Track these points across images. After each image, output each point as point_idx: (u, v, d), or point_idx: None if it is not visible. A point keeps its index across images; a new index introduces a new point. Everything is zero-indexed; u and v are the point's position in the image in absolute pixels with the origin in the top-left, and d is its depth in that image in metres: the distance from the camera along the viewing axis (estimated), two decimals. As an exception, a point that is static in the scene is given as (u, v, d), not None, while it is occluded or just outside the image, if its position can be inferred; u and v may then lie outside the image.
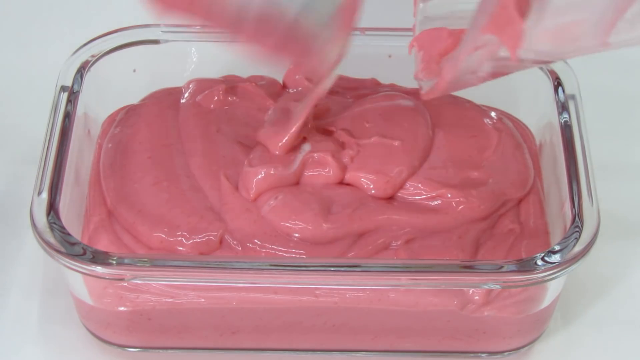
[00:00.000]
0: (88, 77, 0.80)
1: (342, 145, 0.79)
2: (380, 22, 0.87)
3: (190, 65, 0.85)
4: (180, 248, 0.74)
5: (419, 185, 0.77)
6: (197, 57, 0.85)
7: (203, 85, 0.83)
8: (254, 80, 0.84)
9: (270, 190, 0.76)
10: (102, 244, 0.74)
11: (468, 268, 0.69)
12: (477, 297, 0.72)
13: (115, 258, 0.69)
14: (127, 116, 0.82)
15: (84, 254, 0.69)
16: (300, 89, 0.84)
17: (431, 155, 0.79)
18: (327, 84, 0.75)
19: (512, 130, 0.82)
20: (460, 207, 0.75)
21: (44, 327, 0.78)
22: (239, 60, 0.84)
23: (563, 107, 0.79)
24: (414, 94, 0.84)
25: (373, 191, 0.76)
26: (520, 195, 0.78)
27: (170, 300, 0.72)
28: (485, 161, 0.78)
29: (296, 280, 0.70)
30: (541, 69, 0.81)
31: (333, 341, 0.75)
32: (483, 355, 0.76)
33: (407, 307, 0.72)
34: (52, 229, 0.70)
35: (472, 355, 0.76)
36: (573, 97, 0.79)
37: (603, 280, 0.81)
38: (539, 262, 0.69)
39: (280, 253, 0.73)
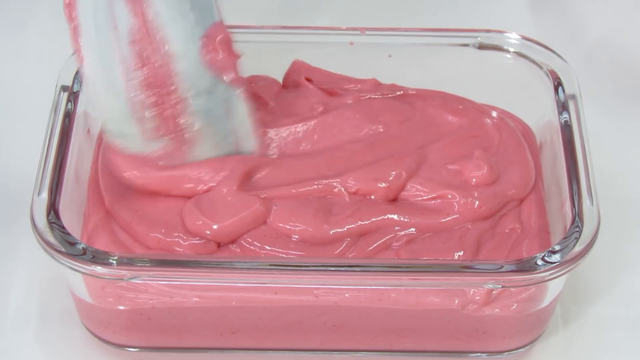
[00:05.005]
0: (88, 77, 0.80)
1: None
2: (381, 22, 0.87)
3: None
4: (178, 249, 0.73)
5: (420, 186, 0.76)
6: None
7: (202, 85, 0.83)
8: (253, 80, 0.84)
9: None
10: (101, 244, 0.74)
11: (468, 268, 0.69)
12: (478, 298, 0.72)
13: (115, 258, 0.69)
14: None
15: (84, 253, 0.69)
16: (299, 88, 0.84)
17: (432, 155, 0.79)
18: None
19: (514, 129, 0.82)
20: (461, 208, 0.75)
21: (44, 327, 0.78)
22: (238, 60, 0.85)
23: (563, 107, 0.78)
24: (414, 94, 0.84)
25: (373, 197, 0.76)
26: (523, 195, 0.78)
27: (169, 300, 0.72)
28: None
29: (296, 280, 0.70)
30: (541, 68, 0.81)
31: (333, 341, 0.75)
32: (483, 355, 0.76)
33: (407, 307, 0.72)
34: (52, 229, 0.70)
35: (472, 355, 0.76)
36: (573, 97, 0.79)
37: (603, 280, 0.81)
38: (539, 262, 0.69)
39: (280, 254, 0.73)
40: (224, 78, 0.75)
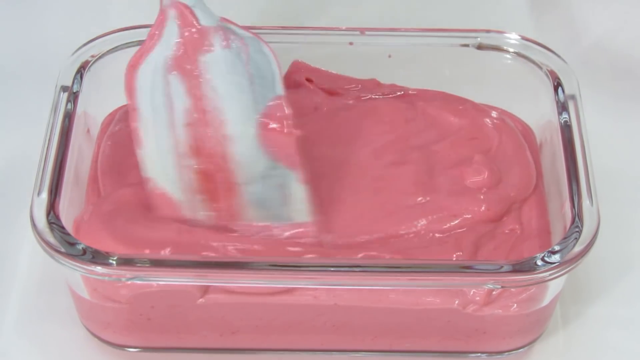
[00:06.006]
0: (88, 77, 0.80)
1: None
2: (381, 22, 0.87)
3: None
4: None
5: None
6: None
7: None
8: (253, 80, 0.84)
9: None
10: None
11: (468, 268, 0.69)
12: (478, 298, 0.72)
13: (115, 258, 0.69)
14: (126, 115, 0.82)
15: (84, 254, 0.69)
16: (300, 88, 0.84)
17: (433, 158, 0.79)
18: None
19: (514, 130, 0.82)
20: (466, 212, 0.75)
21: (44, 327, 0.78)
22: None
23: (563, 107, 0.78)
24: (415, 95, 0.84)
25: None
26: (524, 196, 0.77)
27: (169, 300, 0.72)
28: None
29: (296, 280, 0.70)
30: (540, 68, 0.81)
31: (333, 341, 0.75)
32: (483, 355, 0.76)
33: (407, 307, 0.72)
34: (52, 229, 0.70)
35: (472, 355, 0.76)
36: (573, 97, 0.79)
37: (603, 280, 0.81)
38: (539, 262, 0.69)
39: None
40: (280, 161, 0.72)
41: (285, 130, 0.71)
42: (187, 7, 0.71)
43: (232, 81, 0.71)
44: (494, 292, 0.72)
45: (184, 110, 0.71)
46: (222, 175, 0.72)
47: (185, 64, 0.71)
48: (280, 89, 0.72)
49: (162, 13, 0.71)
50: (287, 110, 0.71)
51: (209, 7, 0.72)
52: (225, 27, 0.72)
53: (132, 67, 0.72)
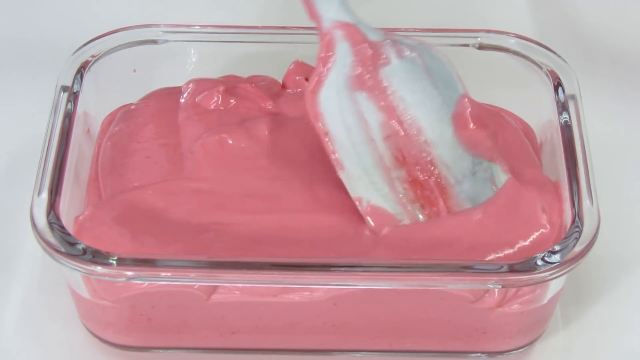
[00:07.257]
0: (88, 77, 0.80)
1: None
2: (381, 22, 0.87)
3: (189, 66, 0.85)
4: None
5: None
6: (197, 57, 0.85)
7: (202, 85, 0.83)
8: (253, 80, 0.84)
9: None
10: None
11: (468, 268, 0.69)
12: (491, 298, 0.72)
13: (115, 258, 0.69)
14: (126, 115, 0.83)
15: (84, 254, 0.69)
16: (300, 90, 0.84)
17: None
18: None
19: (516, 128, 0.82)
20: None
21: (44, 327, 0.78)
22: (239, 61, 0.85)
23: (563, 108, 0.78)
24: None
25: None
26: None
27: (169, 300, 0.72)
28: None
29: (296, 280, 0.70)
30: (541, 68, 0.81)
31: (333, 341, 0.75)
32: (483, 355, 0.76)
33: (413, 303, 0.72)
34: (52, 229, 0.70)
35: (472, 355, 0.76)
36: (573, 97, 0.79)
37: (603, 280, 0.81)
38: (539, 262, 0.69)
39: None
40: (481, 155, 0.74)
41: (476, 127, 0.73)
42: (352, 25, 0.73)
43: (418, 88, 0.73)
44: (507, 295, 0.72)
45: (380, 124, 0.73)
46: (433, 180, 0.73)
47: (367, 81, 0.72)
48: (461, 88, 0.74)
49: (327, 35, 0.73)
50: (475, 105, 0.73)
51: (368, 23, 0.74)
52: (393, 39, 0.74)
53: (312, 93, 0.73)
